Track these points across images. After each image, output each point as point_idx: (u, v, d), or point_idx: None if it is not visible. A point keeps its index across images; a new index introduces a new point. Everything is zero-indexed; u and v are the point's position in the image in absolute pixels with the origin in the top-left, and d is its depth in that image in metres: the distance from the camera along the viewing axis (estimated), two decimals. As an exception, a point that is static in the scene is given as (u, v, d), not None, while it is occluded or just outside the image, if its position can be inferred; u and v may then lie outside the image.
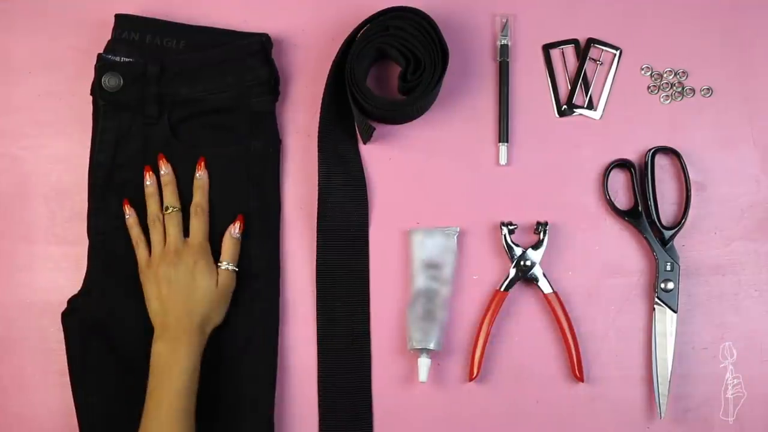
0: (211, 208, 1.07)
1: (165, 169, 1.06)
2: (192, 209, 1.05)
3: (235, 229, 1.05)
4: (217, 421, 1.04)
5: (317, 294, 1.08)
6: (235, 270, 1.05)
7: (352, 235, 1.10)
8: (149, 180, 1.06)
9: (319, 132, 1.10)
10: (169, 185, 1.06)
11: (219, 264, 1.04)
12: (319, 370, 1.07)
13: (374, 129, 1.08)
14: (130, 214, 1.06)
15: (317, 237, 1.09)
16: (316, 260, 1.09)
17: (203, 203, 1.06)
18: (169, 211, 1.05)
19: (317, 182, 1.10)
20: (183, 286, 1.01)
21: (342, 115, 1.10)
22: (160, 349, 1.00)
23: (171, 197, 1.06)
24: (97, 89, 1.07)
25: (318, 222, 1.09)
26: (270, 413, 1.05)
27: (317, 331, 1.08)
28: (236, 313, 1.06)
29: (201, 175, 1.07)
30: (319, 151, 1.10)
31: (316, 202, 1.09)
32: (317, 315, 1.08)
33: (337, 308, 1.08)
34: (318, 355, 1.08)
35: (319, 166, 1.10)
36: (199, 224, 1.05)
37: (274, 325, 1.07)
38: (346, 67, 1.07)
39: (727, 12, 1.13)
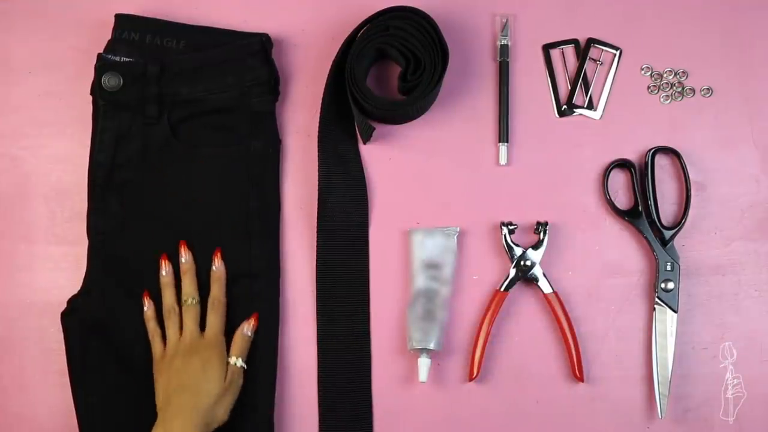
0: (211, 208, 1.07)
1: (185, 257, 1.04)
2: (210, 302, 1.03)
3: (249, 327, 1.03)
4: (217, 421, 1.04)
5: (317, 294, 1.08)
6: (243, 367, 1.02)
7: (352, 235, 1.09)
8: (165, 269, 1.04)
9: (319, 132, 1.10)
10: (188, 273, 1.04)
11: (228, 359, 1.02)
12: (319, 370, 1.07)
13: (374, 129, 1.08)
14: (148, 306, 1.03)
15: (317, 237, 1.09)
16: (316, 260, 1.09)
17: (221, 296, 1.03)
18: (188, 302, 1.03)
19: (317, 182, 1.10)
20: (192, 381, 0.99)
21: (342, 115, 1.10)
22: None
23: (190, 287, 1.03)
24: (97, 89, 1.07)
25: (318, 222, 1.09)
26: (270, 413, 1.05)
27: (317, 331, 1.08)
28: (236, 313, 1.05)
29: (218, 267, 1.04)
30: (319, 151, 1.10)
31: (316, 202, 1.09)
32: (317, 315, 1.08)
33: (337, 308, 1.08)
34: (318, 355, 1.08)
35: (319, 166, 1.10)
36: (216, 318, 1.03)
37: (274, 325, 1.07)
38: (346, 67, 1.07)
39: (727, 12, 1.13)
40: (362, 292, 1.09)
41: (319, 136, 1.10)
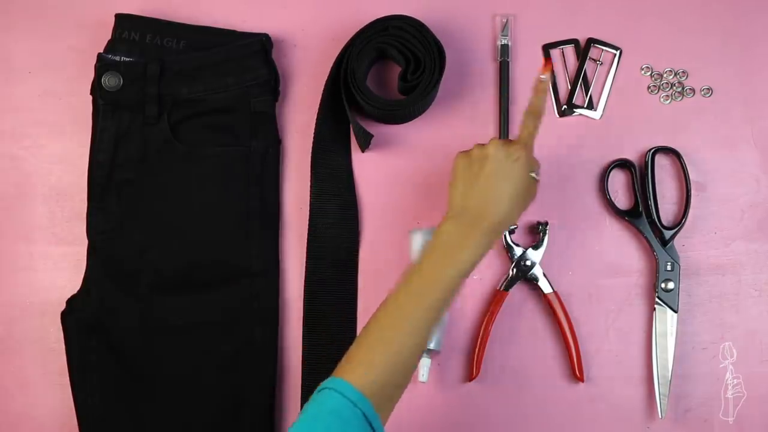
0: (210, 208, 1.07)
1: None
2: (528, 109, 0.97)
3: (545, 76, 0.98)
4: (218, 421, 1.04)
5: (304, 316, 1.08)
6: (537, 180, 0.96)
7: (341, 260, 1.09)
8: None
9: (313, 147, 1.09)
10: None
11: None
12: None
13: (372, 136, 1.07)
14: None
15: (306, 260, 1.08)
16: (304, 283, 1.08)
17: (542, 107, 0.97)
18: None
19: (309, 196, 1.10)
20: (500, 176, 0.93)
21: (337, 129, 1.10)
22: (449, 229, 0.92)
23: None
24: (97, 89, 1.07)
25: (308, 244, 1.08)
26: (270, 413, 1.05)
27: (302, 356, 1.07)
28: (236, 313, 1.06)
29: (546, 77, 0.97)
30: (311, 168, 1.09)
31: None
32: (302, 341, 1.07)
33: (323, 333, 1.07)
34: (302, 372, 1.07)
35: (311, 185, 1.09)
36: (533, 124, 0.97)
37: (274, 325, 1.07)
38: (346, 68, 1.06)
39: (728, 12, 1.13)
40: (350, 315, 1.08)
41: (312, 151, 1.09)
